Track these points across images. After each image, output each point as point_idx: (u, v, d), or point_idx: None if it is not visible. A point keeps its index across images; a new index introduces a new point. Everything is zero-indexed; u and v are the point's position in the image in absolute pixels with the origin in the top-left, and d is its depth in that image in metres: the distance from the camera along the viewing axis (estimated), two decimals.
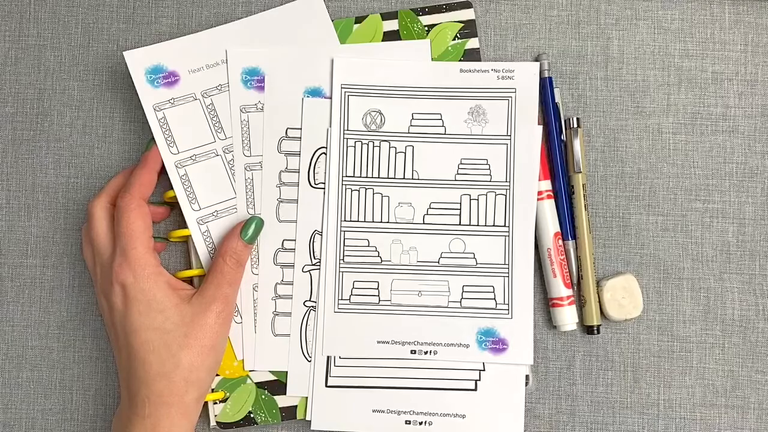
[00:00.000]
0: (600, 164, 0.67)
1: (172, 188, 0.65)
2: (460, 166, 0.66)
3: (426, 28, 0.67)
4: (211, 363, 0.61)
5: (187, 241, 0.67)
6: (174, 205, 0.67)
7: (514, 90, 0.66)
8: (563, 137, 0.66)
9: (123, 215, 0.61)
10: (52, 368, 0.67)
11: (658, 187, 0.67)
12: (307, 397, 0.65)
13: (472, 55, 0.67)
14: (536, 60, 0.67)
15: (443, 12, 0.67)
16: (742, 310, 0.66)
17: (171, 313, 0.60)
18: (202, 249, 0.65)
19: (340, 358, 0.65)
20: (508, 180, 0.65)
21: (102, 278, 0.62)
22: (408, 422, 0.64)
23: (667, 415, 0.66)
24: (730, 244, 0.66)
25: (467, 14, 0.67)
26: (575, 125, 0.66)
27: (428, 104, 0.66)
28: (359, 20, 0.67)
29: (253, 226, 0.63)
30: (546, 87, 0.66)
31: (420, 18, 0.67)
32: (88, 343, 0.67)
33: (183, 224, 0.66)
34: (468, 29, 0.67)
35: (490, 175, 0.65)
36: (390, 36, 0.67)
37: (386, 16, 0.67)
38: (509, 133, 0.66)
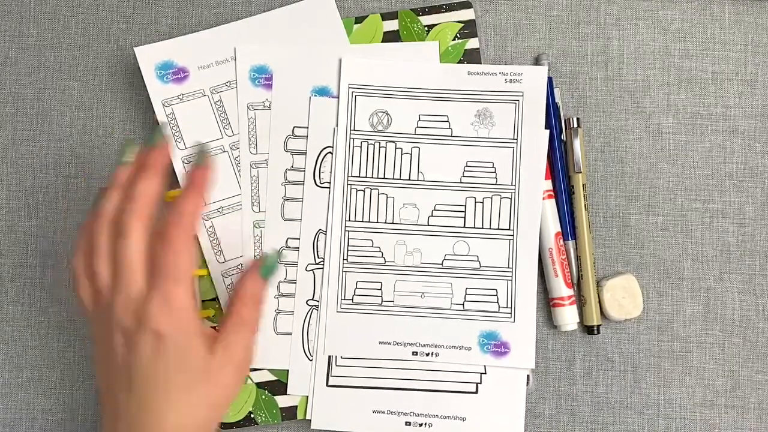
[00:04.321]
0: (600, 164, 0.67)
1: (174, 186, 0.65)
2: (466, 169, 0.66)
3: (426, 28, 0.67)
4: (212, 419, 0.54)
5: None
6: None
7: (521, 93, 0.66)
8: (563, 137, 0.66)
9: (172, 245, 0.51)
10: (52, 368, 0.67)
11: (658, 187, 0.67)
12: (307, 397, 0.65)
13: (471, 55, 0.67)
14: (536, 60, 0.67)
15: (443, 12, 0.67)
16: (742, 310, 0.66)
17: (197, 371, 0.52)
18: (206, 245, 0.65)
19: (341, 357, 0.65)
20: (513, 183, 0.65)
21: (123, 313, 0.52)
22: (408, 423, 0.64)
23: (667, 415, 0.66)
24: (730, 244, 0.67)
25: (467, 14, 0.67)
26: (575, 125, 0.66)
27: (435, 106, 0.66)
28: (359, 20, 0.67)
29: (275, 265, 0.56)
30: (546, 87, 0.66)
31: (420, 18, 0.67)
32: (88, 343, 0.67)
33: None
34: (468, 29, 0.67)
35: (495, 178, 0.65)
36: (390, 36, 0.67)
37: (386, 16, 0.67)
38: (516, 137, 0.66)
